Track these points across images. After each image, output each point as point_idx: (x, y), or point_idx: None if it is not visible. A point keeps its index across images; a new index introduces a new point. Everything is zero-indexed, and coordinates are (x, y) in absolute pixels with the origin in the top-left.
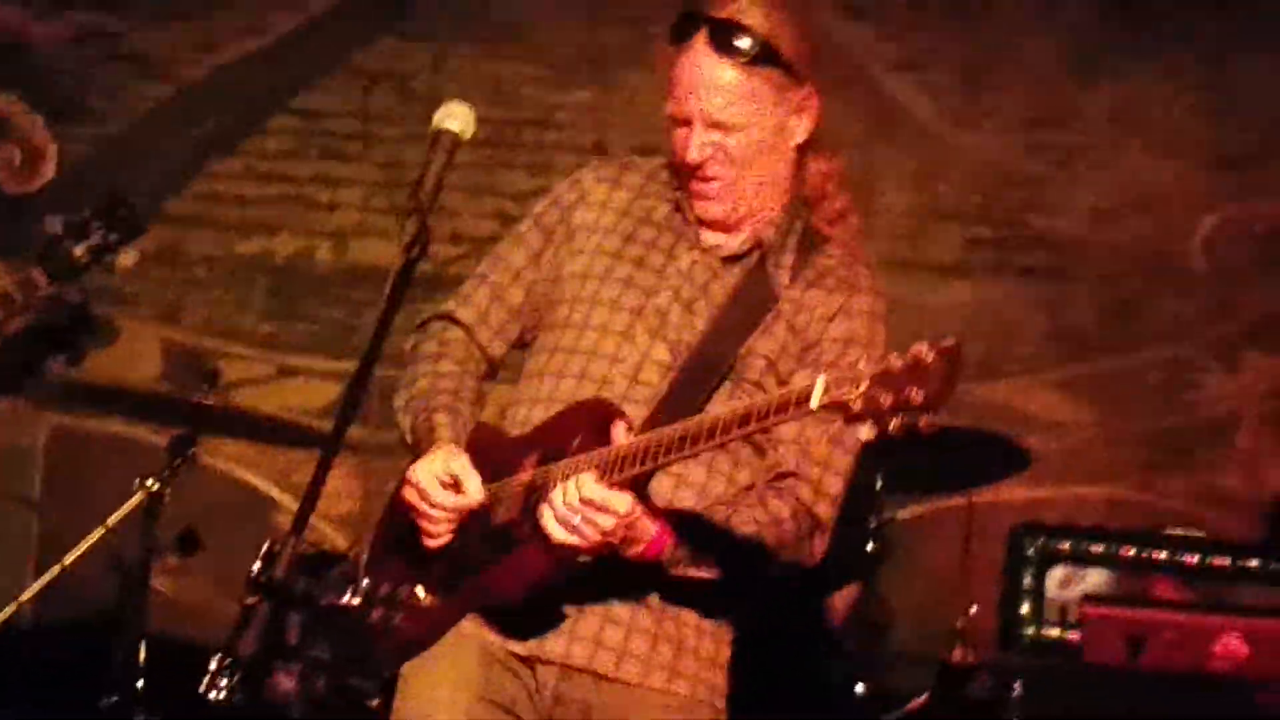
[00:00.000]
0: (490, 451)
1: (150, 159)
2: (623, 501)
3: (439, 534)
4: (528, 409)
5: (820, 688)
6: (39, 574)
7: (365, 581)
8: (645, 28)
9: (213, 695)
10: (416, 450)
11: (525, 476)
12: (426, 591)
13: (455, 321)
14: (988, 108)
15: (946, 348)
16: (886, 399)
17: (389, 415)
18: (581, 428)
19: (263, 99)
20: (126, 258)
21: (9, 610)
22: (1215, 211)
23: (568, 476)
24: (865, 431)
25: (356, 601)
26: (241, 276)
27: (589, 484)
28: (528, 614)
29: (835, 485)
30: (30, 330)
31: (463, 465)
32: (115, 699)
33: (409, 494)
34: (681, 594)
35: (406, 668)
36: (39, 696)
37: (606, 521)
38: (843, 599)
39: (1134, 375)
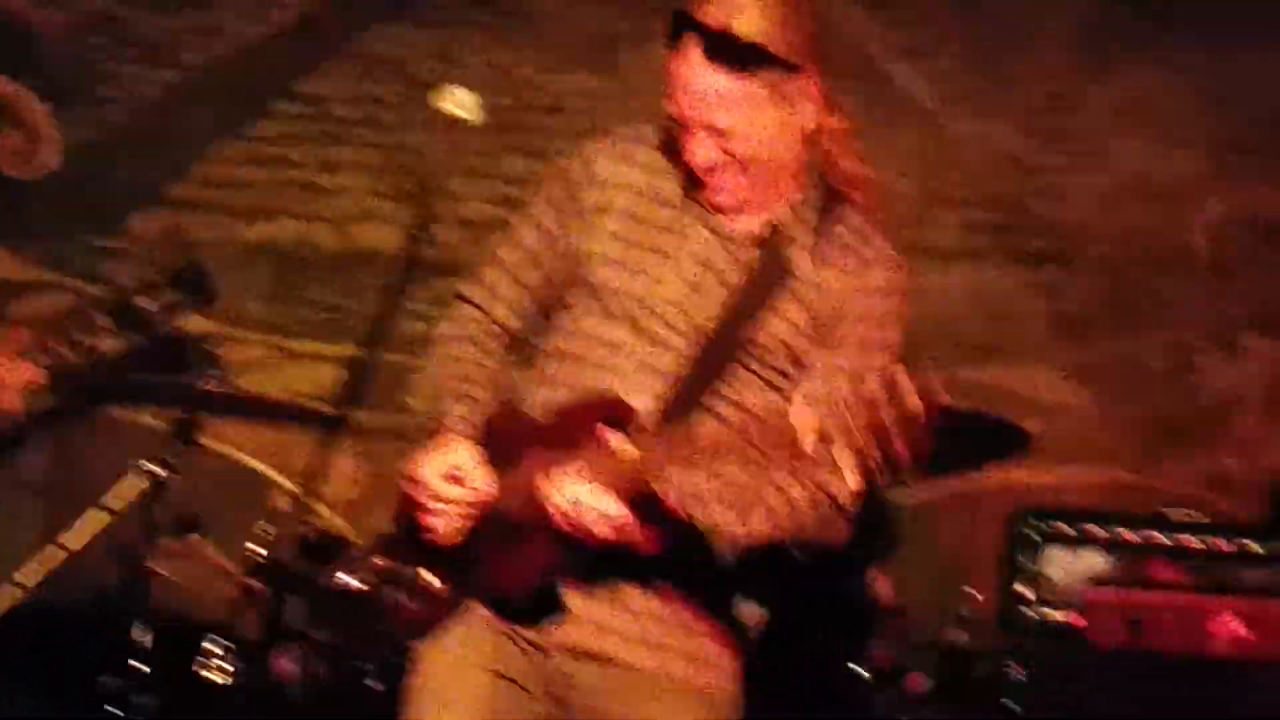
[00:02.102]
0: (504, 435)
1: (153, 144)
2: (616, 510)
3: (442, 529)
4: (546, 391)
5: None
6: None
7: (378, 566)
8: (649, 13)
9: (213, 677)
10: (429, 436)
11: (534, 470)
12: (438, 580)
13: (472, 303)
14: (992, 95)
15: (933, 402)
16: (874, 455)
17: (394, 398)
18: (587, 423)
19: (266, 84)
20: (194, 320)
21: (5, 599)
22: (1217, 198)
23: (574, 477)
24: (852, 481)
25: (362, 585)
26: (243, 261)
27: (584, 493)
28: (535, 601)
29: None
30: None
31: (467, 459)
32: (115, 680)
33: (412, 490)
34: (695, 578)
35: (421, 645)
36: (39, 679)
37: (599, 528)
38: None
39: (1135, 360)
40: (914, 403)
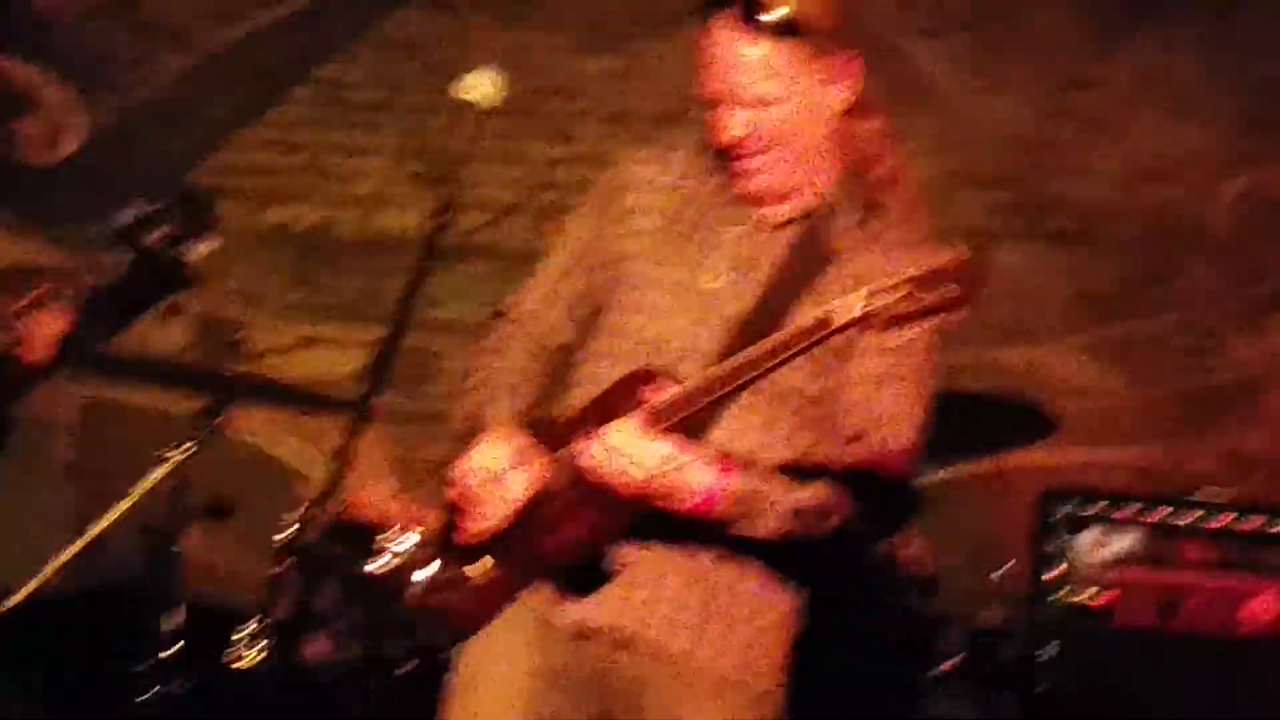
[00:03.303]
0: (547, 436)
1: (173, 130)
2: (656, 446)
3: (481, 527)
4: (585, 389)
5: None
6: (70, 546)
7: (423, 563)
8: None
9: (243, 662)
10: (468, 440)
11: (576, 447)
12: (486, 565)
13: (515, 318)
14: (1010, 74)
15: (978, 247)
16: (927, 299)
17: (418, 382)
18: (629, 394)
19: (285, 69)
20: (199, 251)
21: (36, 582)
22: (1239, 177)
23: (617, 425)
24: (908, 333)
25: (391, 568)
26: (265, 246)
27: (623, 431)
28: (575, 585)
29: (910, 433)
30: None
31: (504, 456)
32: (147, 665)
33: (451, 492)
34: (740, 564)
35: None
36: (72, 663)
37: (637, 471)
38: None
39: (1159, 340)
40: (952, 254)
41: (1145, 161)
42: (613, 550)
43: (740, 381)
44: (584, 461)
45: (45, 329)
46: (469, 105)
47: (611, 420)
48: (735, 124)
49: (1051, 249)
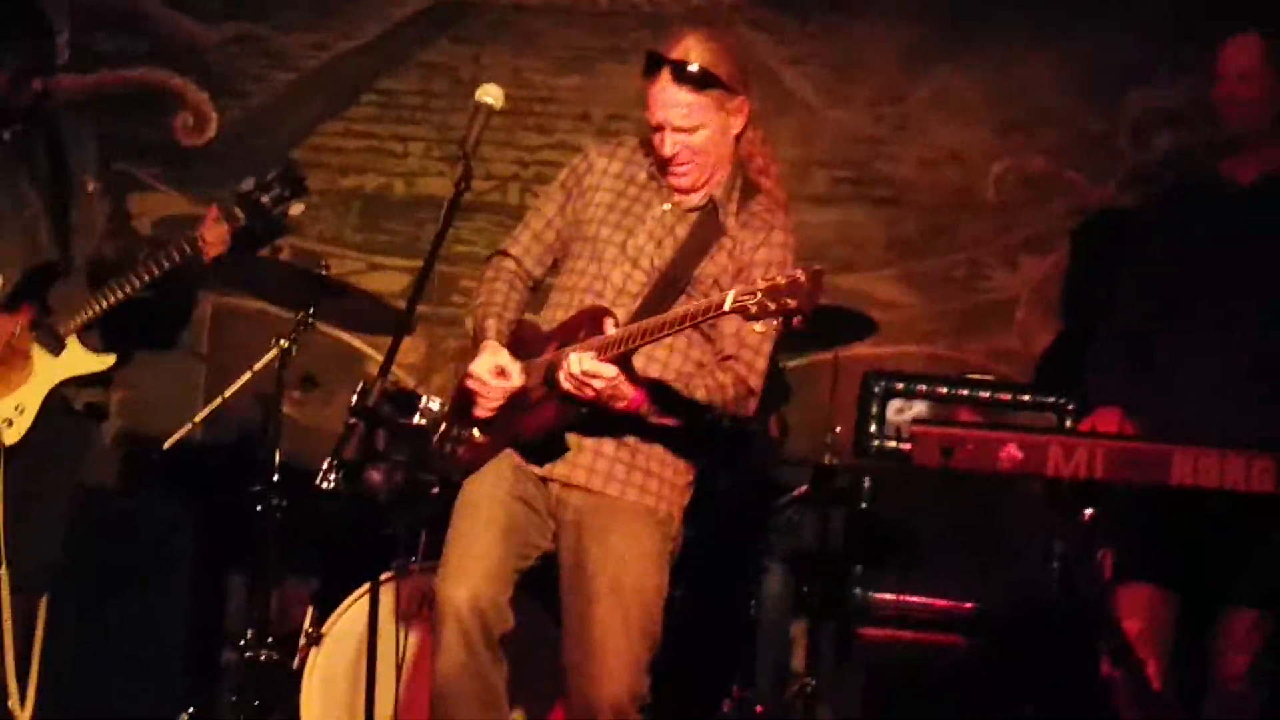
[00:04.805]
0: (527, 341)
1: (281, 123)
2: (609, 370)
3: (491, 406)
4: (553, 312)
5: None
6: (207, 406)
7: (444, 425)
8: (616, 35)
9: (325, 486)
10: (475, 343)
11: (547, 357)
12: (481, 433)
13: (508, 255)
14: (850, 91)
15: (815, 271)
16: (773, 305)
17: (445, 296)
18: (584, 324)
19: (357, 82)
20: (296, 208)
21: (185, 430)
22: (1001, 161)
23: (580, 351)
24: (760, 326)
25: (425, 423)
26: (341, 203)
27: (587, 360)
28: (543, 449)
29: (761, 363)
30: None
31: (506, 359)
32: (259, 488)
33: (470, 382)
34: (653, 437)
35: (467, 479)
36: (208, 487)
37: (598, 384)
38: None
39: (946, 271)
40: (797, 273)
41: (937, 150)
42: (564, 432)
43: (658, 336)
44: (559, 378)
45: (218, 238)
46: (481, 107)
47: (571, 340)
48: (670, 144)
49: (874, 209)
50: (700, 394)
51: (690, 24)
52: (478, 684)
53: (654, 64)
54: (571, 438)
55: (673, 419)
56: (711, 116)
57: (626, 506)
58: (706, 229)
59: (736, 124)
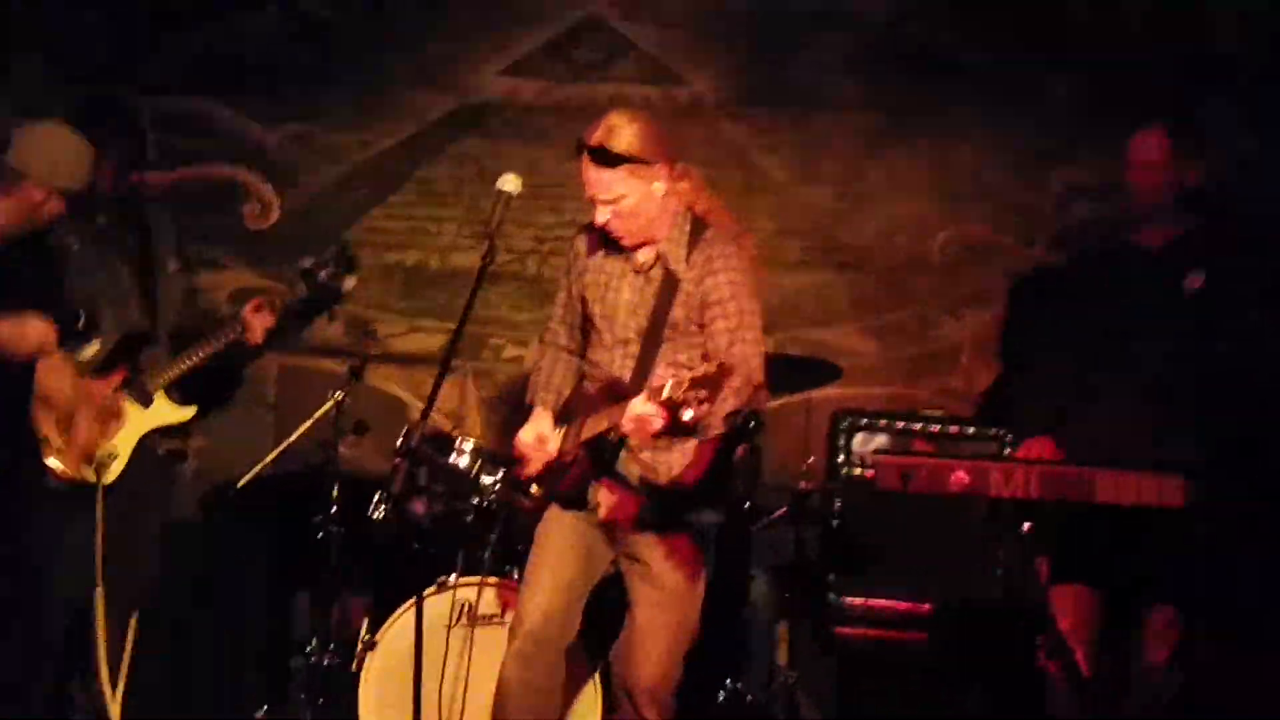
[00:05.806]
0: (575, 407)
1: (334, 208)
2: (656, 411)
3: (534, 469)
4: (589, 384)
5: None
6: (275, 449)
7: (504, 474)
8: None
9: (376, 516)
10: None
11: (584, 422)
12: (538, 487)
13: (549, 331)
14: (816, 171)
15: (720, 365)
16: (692, 396)
17: (475, 352)
18: (606, 399)
19: (398, 172)
20: (349, 281)
21: (257, 469)
22: (945, 230)
23: (639, 400)
24: (687, 415)
25: (465, 463)
26: (386, 276)
27: (642, 404)
28: (578, 500)
29: (758, 359)
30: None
31: (547, 428)
32: (321, 517)
33: (518, 446)
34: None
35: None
36: (277, 518)
37: (650, 426)
38: (738, 453)
39: (900, 324)
40: (708, 368)
41: (891, 221)
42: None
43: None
44: (625, 420)
45: (261, 323)
46: (503, 193)
47: (594, 409)
48: (600, 214)
49: (838, 273)
50: (731, 401)
51: (614, 107)
52: (536, 697)
53: (578, 148)
54: (595, 495)
55: (717, 427)
56: (632, 185)
57: (656, 535)
58: (666, 283)
59: (660, 187)
